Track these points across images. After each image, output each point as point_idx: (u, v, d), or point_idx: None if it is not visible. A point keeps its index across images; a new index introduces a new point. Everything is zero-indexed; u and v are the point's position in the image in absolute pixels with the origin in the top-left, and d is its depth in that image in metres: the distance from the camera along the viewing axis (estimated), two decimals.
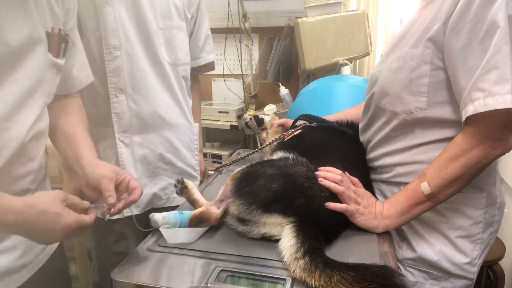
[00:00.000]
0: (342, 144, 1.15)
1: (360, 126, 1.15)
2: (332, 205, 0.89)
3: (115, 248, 1.36)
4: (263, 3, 2.45)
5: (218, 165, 1.37)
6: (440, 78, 0.89)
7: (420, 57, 0.90)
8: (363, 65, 2.36)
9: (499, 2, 0.78)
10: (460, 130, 0.88)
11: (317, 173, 0.93)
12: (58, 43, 0.84)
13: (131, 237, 1.35)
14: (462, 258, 0.95)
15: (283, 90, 2.21)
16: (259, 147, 1.32)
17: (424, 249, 0.97)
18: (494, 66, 0.78)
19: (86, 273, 1.96)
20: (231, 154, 2.30)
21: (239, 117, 1.46)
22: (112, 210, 0.84)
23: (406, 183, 0.95)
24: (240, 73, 2.53)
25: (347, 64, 2.02)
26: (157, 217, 0.90)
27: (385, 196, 1.04)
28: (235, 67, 2.58)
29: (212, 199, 0.95)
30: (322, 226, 0.86)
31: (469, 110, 0.81)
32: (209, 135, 2.71)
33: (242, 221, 0.89)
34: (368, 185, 1.05)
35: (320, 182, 0.91)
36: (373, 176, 1.10)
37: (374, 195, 1.02)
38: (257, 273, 0.78)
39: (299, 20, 1.95)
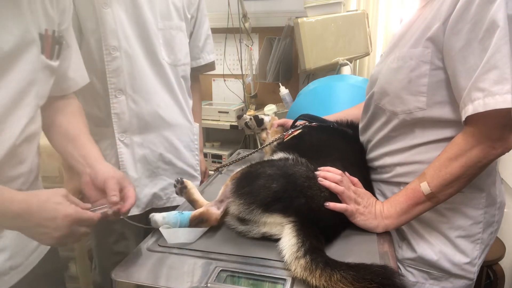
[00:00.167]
0: (342, 144, 1.15)
1: (360, 126, 1.15)
2: (331, 205, 0.89)
3: (115, 248, 1.36)
4: (263, 3, 2.45)
5: (218, 165, 1.37)
6: (439, 78, 0.89)
7: (419, 57, 0.90)
8: (363, 65, 2.36)
9: (498, 2, 0.78)
10: (460, 130, 0.88)
11: (317, 173, 0.93)
12: (51, 45, 0.84)
13: (131, 237, 1.35)
14: (462, 258, 0.95)
15: (283, 90, 2.21)
16: (259, 147, 1.32)
17: (424, 249, 0.97)
18: (493, 65, 0.78)
19: (86, 273, 1.96)
20: (231, 154, 2.30)
21: (239, 117, 1.46)
22: (112, 210, 0.84)
23: (406, 183, 0.95)
24: (240, 73, 2.53)
25: (347, 64, 2.03)
26: (157, 217, 0.91)
27: (385, 196, 1.04)
28: (235, 67, 2.58)
29: (212, 199, 0.95)
30: (322, 225, 0.86)
31: (469, 110, 0.81)
32: (209, 135, 2.71)
33: (242, 220, 0.89)
34: (368, 185, 1.05)
35: (320, 182, 0.91)
36: (373, 176, 1.10)
37: (374, 195, 1.02)
38: (257, 273, 0.78)
39: (299, 20, 1.95)
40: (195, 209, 0.97)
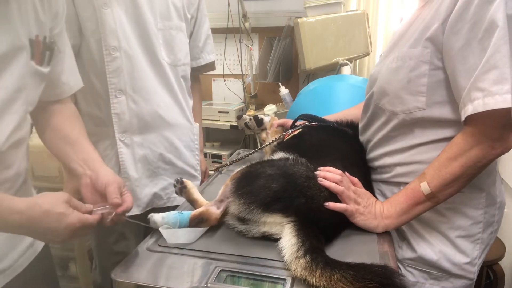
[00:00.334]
0: (342, 144, 1.15)
1: (360, 126, 1.15)
2: (331, 205, 0.89)
3: (115, 248, 1.36)
4: (263, 3, 2.45)
5: (218, 165, 1.37)
6: (439, 78, 0.89)
7: (419, 57, 0.90)
8: (363, 65, 2.36)
9: (498, 2, 0.78)
10: (459, 130, 0.88)
11: (316, 173, 0.93)
12: (42, 51, 0.83)
13: (131, 237, 1.35)
14: (462, 258, 0.95)
15: (283, 90, 2.21)
16: (259, 147, 1.32)
17: (424, 249, 0.97)
18: (493, 65, 0.78)
19: (86, 273, 1.96)
20: (231, 154, 2.30)
21: (239, 117, 1.46)
22: (114, 211, 0.84)
23: (406, 183, 0.95)
24: (240, 73, 2.53)
25: (347, 64, 2.03)
26: (156, 217, 0.90)
27: (385, 196, 1.04)
28: (235, 67, 2.58)
29: (212, 199, 0.95)
30: (322, 225, 0.86)
31: (469, 109, 0.81)
32: (209, 135, 2.71)
33: (242, 220, 0.89)
34: (368, 185, 1.05)
35: (320, 182, 0.91)
36: (373, 176, 1.10)
37: (374, 195, 1.02)
38: (257, 273, 0.78)
39: (299, 20, 1.95)
40: (195, 209, 0.97)
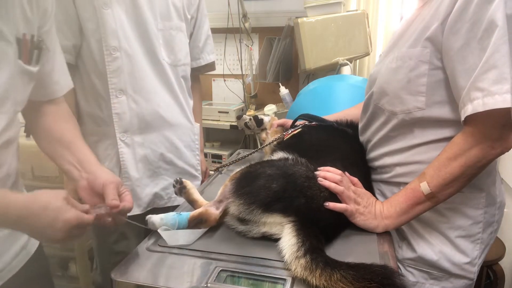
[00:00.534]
0: (342, 143, 1.15)
1: (360, 126, 1.15)
2: (331, 205, 0.89)
3: (116, 247, 1.36)
4: (263, 3, 2.45)
5: (218, 165, 1.37)
6: (438, 77, 0.90)
7: (418, 56, 0.90)
8: (363, 65, 2.36)
9: (497, 2, 0.78)
10: (459, 129, 0.88)
11: (316, 173, 0.93)
12: (30, 50, 0.81)
13: (132, 236, 1.35)
14: (462, 258, 0.95)
15: (283, 90, 2.21)
16: (259, 147, 1.32)
17: (424, 249, 0.97)
18: (492, 65, 0.78)
19: (86, 273, 1.96)
20: (231, 154, 2.30)
21: (238, 117, 1.46)
22: (112, 212, 0.83)
23: (406, 183, 0.95)
24: (240, 73, 2.53)
25: (347, 64, 2.03)
26: (154, 218, 0.90)
27: (385, 196, 1.04)
28: (235, 67, 2.58)
29: (212, 199, 0.95)
30: (322, 225, 0.86)
31: (468, 109, 0.81)
32: (209, 135, 2.71)
33: (242, 221, 0.89)
34: (368, 185, 1.05)
35: (320, 182, 0.91)
36: (373, 176, 1.10)
37: (374, 195, 1.02)
38: (257, 273, 0.78)
39: (299, 20, 1.95)
40: (195, 209, 0.97)
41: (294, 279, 0.76)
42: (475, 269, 0.96)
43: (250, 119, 1.43)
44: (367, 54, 2.14)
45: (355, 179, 0.98)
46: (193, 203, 1.02)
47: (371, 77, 1.08)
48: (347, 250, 0.86)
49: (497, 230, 1.01)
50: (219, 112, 2.43)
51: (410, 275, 1.00)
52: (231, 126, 2.37)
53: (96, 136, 1.31)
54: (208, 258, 0.83)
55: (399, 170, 1.00)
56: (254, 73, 2.43)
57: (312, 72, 2.19)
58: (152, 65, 1.29)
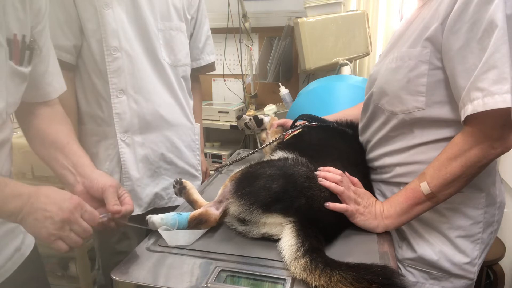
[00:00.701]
0: (342, 144, 1.15)
1: (360, 126, 1.15)
2: (331, 205, 0.89)
3: (118, 247, 1.36)
4: (263, 3, 2.45)
5: (218, 165, 1.37)
6: (438, 77, 0.89)
7: (418, 56, 0.90)
8: (363, 65, 2.36)
9: (497, 2, 0.78)
10: (459, 129, 0.88)
11: (317, 173, 0.93)
12: (21, 50, 0.80)
13: (134, 236, 1.35)
14: (462, 258, 0.95)
15: (283, 90, 2.21)
16: (259, 147, 1.32)
17: (424, 249, 0.97)
18: (492, 65, 0.78)
19: (86, 273, 1.96)
20: (231, 154, 2.30)
21: (239, 117, 1.46)
22: (114, 218, 0.83)
23: (406, 183, 0.95)
24: (240, 73, 2.53)
25: (347, 64, 2.03)
26: (154, 218, 0.90)
27: (385, 196, 1.04)
28: (235, 67, 2.58)
29: (212, 199, 0.95)
30: (322, 226, 0.86)
31: (468, 109, 0.81)
32: (209, 135, 2.71)
33: (242, 221, 0.89)
34: (368, 185, 1.05)
35: (320, 182, 0.91)
36: (373, 176, 1.10)
37: (374, 195, 1.02)
38: (257, 273, 0.78)
39: (299, 20, 1.95)
40: (195, 209, 0.97)
41: (294, 279, 0.76)
42: (475, 269, 0.96)
43: (250, 119, 1.43)
44: (367, 54, 2.14)
45: (355, 179, 0.98)
46: (193, 204, 1.02)
47: (371, 77, 1.08)
48: (347, 250, 0.86)
49: (497, 230, 1.01)
50: (219, 112, 2.43)
51: (410, 275, 1.00)
52: (231, 126, 2.37)
53: (97, 136, 1.31)
54: (208, 258, 0.83)
55: (399, 170, 1.00)
56: (254, 73, 2.43)
57: (312, 72, 2.19)
58: (153, 65, 1.29)
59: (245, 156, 1.38)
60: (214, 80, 2.69)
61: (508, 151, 0.84)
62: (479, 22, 0.80)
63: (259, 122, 1.43)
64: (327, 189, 0.91)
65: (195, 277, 0.77)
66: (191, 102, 1.49)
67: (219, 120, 2.43)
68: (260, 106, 2.49)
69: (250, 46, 2.41)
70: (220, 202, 0.92)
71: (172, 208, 1.17)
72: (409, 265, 1.00)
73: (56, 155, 0.92)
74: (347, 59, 2.02)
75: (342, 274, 0.71)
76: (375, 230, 0.93)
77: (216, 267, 0.80)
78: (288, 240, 0.81)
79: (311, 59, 1.98)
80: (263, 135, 1.43)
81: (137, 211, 1.31)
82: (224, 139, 2.64)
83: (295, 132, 1.20)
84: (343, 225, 0.93)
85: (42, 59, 0.90)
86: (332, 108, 1.47)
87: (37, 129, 0.94)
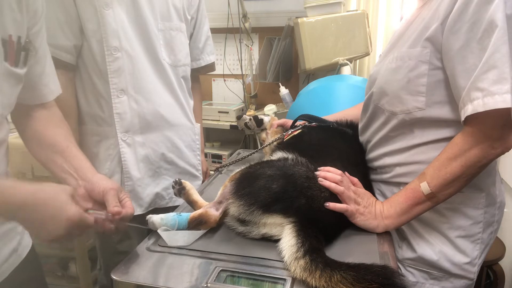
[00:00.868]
0: (342, 144, 1.15)
1: (360, 126, 1.15)
2: (332, 205, 0.89)
3: (120, 247, 1.36)
4: (263, 3, 2.45)
5: (218, 165, 1.37)
6: (438, 77, 0.90)
7: (418, 57, 0.90)
8: (363, 65, 2.36)
9: (497, 2, 0.78)
10: (459, 129, 0.88)
11: (317, 173, 0.93)
12: (16, 51, 0.79)
13: (135, 236, 1.35)
14: (462, 258, 0.95)
15: (283, 90, 2.21)
16: (259, 147, 1.32)
17: (424, 249, 0.97)
18: (492, 65, 0.78)
19: (86, 273, 1.96)
20: (231, 154, 2.30)
21: (238, 117, 1.46)
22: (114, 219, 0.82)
23: (406, 183, 0.95)
24: (240, 73, 2.53)
25: (347, 64, 2.03)
26: (155, 218, 0.90)
27: (385, 196, 1.04)
28: (235, 67, 2.58)
29: (212, 199, 0.95)
30: (322, 226, 0.86)
31: (468, 109, 0.81)
32: (209, 135, 2.71)
33: (242, 221, 0.89)
34: (368, 185, 1.05)
35: (320, 182, 0.91)
36: (373, 176, 1.10)
37: (374, 195, 1.02)
38: (257, 273, 0.78)
39: (299, 20, 1.95)
40: (195, 209, 0.97)
41: (294, 279, 0.76)
42: (475, 269, 0.96)
43: (250, 119, 1.43)
44: (367, 54, 2.14)
45: (355, 179, 0.98)
46: (192, 204, 1.02)
47: (371, 77, 1.08)
48: (347, 250, 0.86)
49: (497, 230, 1.01)
50: (219, 112, 2.43)
51: (410, 275, 1.00)
52: (231, 126, 2.37)
53: (97, 136, 1.31)
54: (208, 258, 0.83)
55: (399, 170, 1.00)
56: (254, 73, 2.43)
57: (312, 72, 2.19)
58: (153, 65, 1.30)
59: (245, 156, 1.38)
60: (214, 80, 2.69)
61: (508, 151, 0.84)
62: (479, 22, 0.80)
63: (259, 122, 1.43)
64: (327, 189, 0.91)
65: (195, 277, 0.77)
66: (191, 102, 1.49)
67: (219, 120, 2.43)
68: (260, 106, 2.49)
69: (250, 46, 2.41)
70: (220, 202, 0.92)
71: (173, 208, 1.17)
72: (409, 265, 1.00)
73: (54, 158, 0.92)
74: (347, 59, 2.02)
75: (343, 274, 0.71)
76: (375, 230, 0.93)
77: (216, 267, 0.80)
78: (288, 240, 0.81)
79: (311, 59, 1.98)
80: (263, 135, 1.43)
81: (138, 211, 1.32)
82: (224, 139, 2.64)
83: (295, 133, 1.20)
84: (343, 225, 0.93)
85: (38, 60, 0.89)
86: (332, 108, 1.47)
87: (34, 131, 0.93)
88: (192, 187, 1.04)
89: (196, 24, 1.45)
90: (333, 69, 2.06)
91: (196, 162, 1.50)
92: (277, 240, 0.84)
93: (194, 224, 0.90)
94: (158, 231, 0.89)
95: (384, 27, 2.28)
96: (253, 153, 1.33)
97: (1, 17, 0.75)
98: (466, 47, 0.82)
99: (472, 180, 0.88)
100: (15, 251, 0.90)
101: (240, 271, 0.79)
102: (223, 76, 2.62)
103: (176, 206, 1.20)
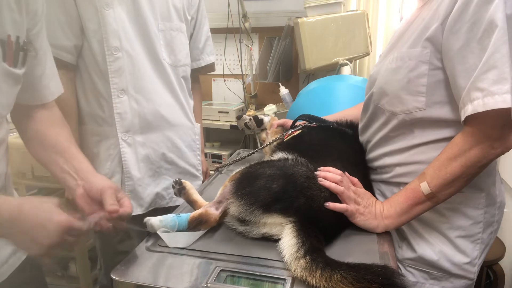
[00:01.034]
0: (342, 144, 1.15)
1: (360, 126, 1.15)
2: (331, 205, 0.89)
3: (120, 247, 1.36)
4: (263, 3, 2.45)
5: (218, 165, 1.37)
6: (438, 78, 0.90)
7: (418, 57, 0.90)
8: (363, 65, 2.36)
9: (497, 2, 0.78)
10: (459, 130, 0.88)
11: (316, 173, 0.93)
12: (14, 52, 0.79)
13: (136, 236, 1.35)
14: (462, 258, 0.95)
15: (283, 90, 2.21)
16: (259, 147, 1.32)
17: (424, 249, 0.97)
18: (492, 65, 0.78)
19: (86, 273, 1.96)
20: (231, 154, 2.30)
21: (238, 117, 1.46)
22: (111, 218, 0.82)
23: (406, 183, 0.95)
24: (240, 73, 2.53)
25: (347, 64, 2.03)
26: (153, 221, 0.89)
27: (385, 196, 1.04)
28: (235, 67, 2.58)
29: (212, 199, 0.95)
30: (322, 226, 0.86)
31: (468, 109, 0.81)
32: (209, 135, 2.71)
33: (242, 221, 0.89)
34: (368, 185, 1.05)
35: (320, 182, 0.91)
36: (373, 177, 1.10)
37: (374, 195, 1.02)
38: (257, 273, 0.78)
39: (299, 20, 1.95)
40: (195, 209, 0.97)
41: (294, 279, 0.76)
42: (475, 269, 0.96)
43: (250, 119, 1.43)
44: (367, 54, 2.14)
45: (355, 179, 0.98)
46: (192, 204, 1.02)
47: (371, 78, 1.08)
48: (347, 250, 0.86)
49: (497, 230, 1.01)
50: (219, 112, 2.43)
51: (410, 275, 1.00)
52: (231, 126, 2.38)
53: (98, 136, 1.31)
54: (208, 258, 0.83)
55: (399, 170, 1.00)
56: (254, 73, 2.43)
57: (312, 72, 2.19)
58: (153, 66, 1.30)
59: (245, 156, 1.38)
60: (214, 80, 2.69)
61: (508, 151, 0.84)
62: (479, 22, 0.80)
63: (259, 122, 1.43)
64: (327, 189, 0.91)
65: (195, 277, 0.77)
66: (191, 102, 1.49)
67: (219, 120, 2.43)
68: (260, 106, 2.49)
69: (250, 46, 2.41)
70: (219, 202, 0.92)
71: (173, 208, 1.17)
72: (409, 265, 1.00)
73: (55, 158, 0.91)
74: (347, 59, 2.02)
75: (343, 274, 0.71)
76: (375, 230, 0.93)
77: (216, 267, 0.80)
78: (288, 240, 0.81)
79: (311, 59, 1.98)
80: (263, 135, 1.43)
81: (139, 211, 1.32)
82: (224, 139, 2.64)
83: (295, 133, 1.20)
84: (343, 225, 0.93)
85: (39, 61, 0.89)
86: (332, 108, 1.47)
87: (35, 131, 0.93)
88: (192, 187, 1.04)
89: (196, 24, 1.46)
90: (333, 69, 2.06)
91: (196, 162, 1.50)
92: (277, 240, 0.84)
93: (195, 223, 0.90)
94: (158, 232, 0.88)
95: (384, 27, 2.28)
96: (253, 153, 1.33)
97: (0, 17, 0.75)
98: (466, 47, 0.82)
99: (472, 180, 0.88)
100: (14, 253, 0.90)
101: (240, 271, 0.79)
102: (223, 76, 2.62)
103: (177, 206, 1.20)
